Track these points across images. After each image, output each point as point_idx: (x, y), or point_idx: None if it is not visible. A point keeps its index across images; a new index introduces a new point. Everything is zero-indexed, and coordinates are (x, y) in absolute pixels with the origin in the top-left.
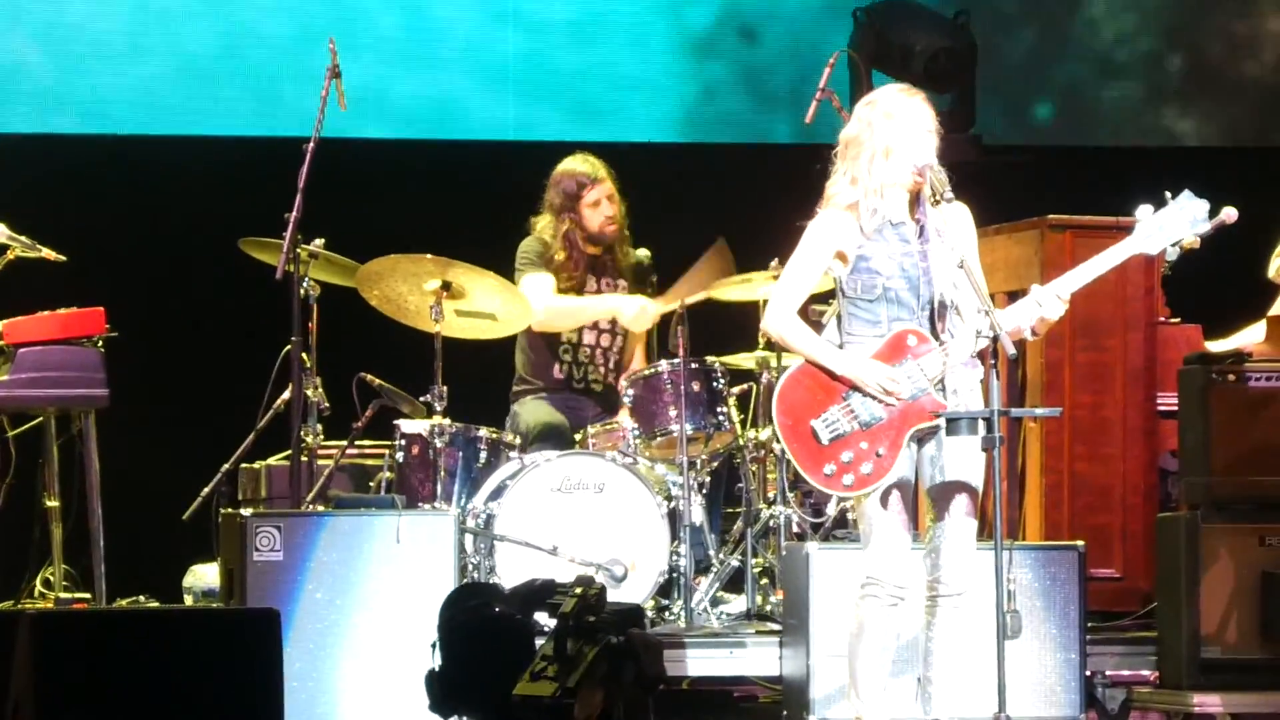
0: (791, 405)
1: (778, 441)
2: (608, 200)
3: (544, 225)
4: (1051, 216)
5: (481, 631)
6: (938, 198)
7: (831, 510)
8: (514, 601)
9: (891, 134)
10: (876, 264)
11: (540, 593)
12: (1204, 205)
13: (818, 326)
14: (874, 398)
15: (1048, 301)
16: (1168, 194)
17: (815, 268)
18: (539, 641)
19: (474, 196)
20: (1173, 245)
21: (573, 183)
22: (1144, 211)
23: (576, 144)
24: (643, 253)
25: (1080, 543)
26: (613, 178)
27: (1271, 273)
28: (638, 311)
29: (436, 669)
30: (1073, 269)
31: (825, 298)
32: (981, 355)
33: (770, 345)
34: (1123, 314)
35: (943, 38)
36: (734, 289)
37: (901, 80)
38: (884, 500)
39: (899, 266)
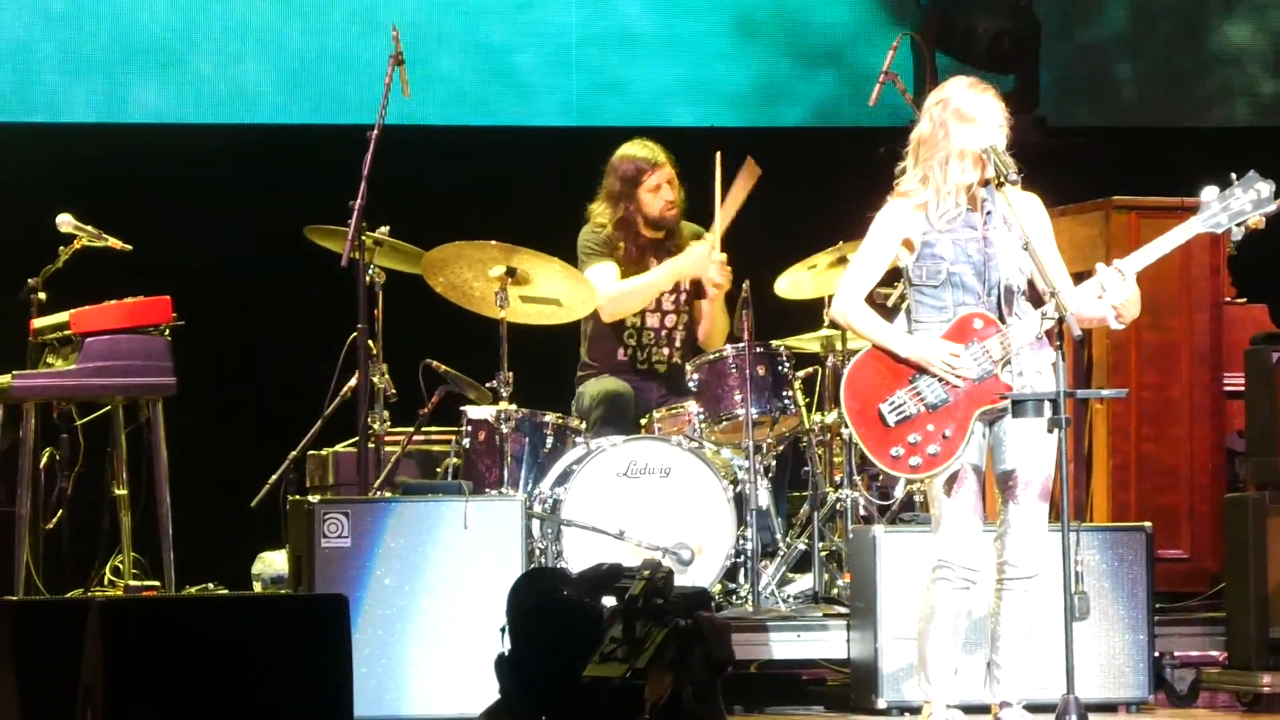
0: (859, 389)
1: (845, 426)
2: (668, 185)
3: (600, 211)
4: (1116, 198)
5: (550, 616)
6: (1001, 179)
7: (898, 493)
8: (582, 586)
9: (966, 137)
10: (941, 250)
11: (608, 577)
12: (1269, 185)
13: (883, 310)
14: (940, 378)
15: (1110, 281)
16: (1233, 175)
17: (883, 256)
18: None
19: (539, 182)
20: (1238, 225)
21: (632, 168)
22: (1209, 192)
23: (638, 129)
24: (697, 229)
25: (1148, 524)
26: (672, 162)
27: None
28: (697, 261)
29: (506, 653)
30: (1136, 250)
31: (890, 280)
32: (1048, 336)
33: (835, 327)
34: (1188, 294)
35: (1006, 19)
36: (801, 276)
37: (965, 62)
38: (953, 483)
39: (964, 252)
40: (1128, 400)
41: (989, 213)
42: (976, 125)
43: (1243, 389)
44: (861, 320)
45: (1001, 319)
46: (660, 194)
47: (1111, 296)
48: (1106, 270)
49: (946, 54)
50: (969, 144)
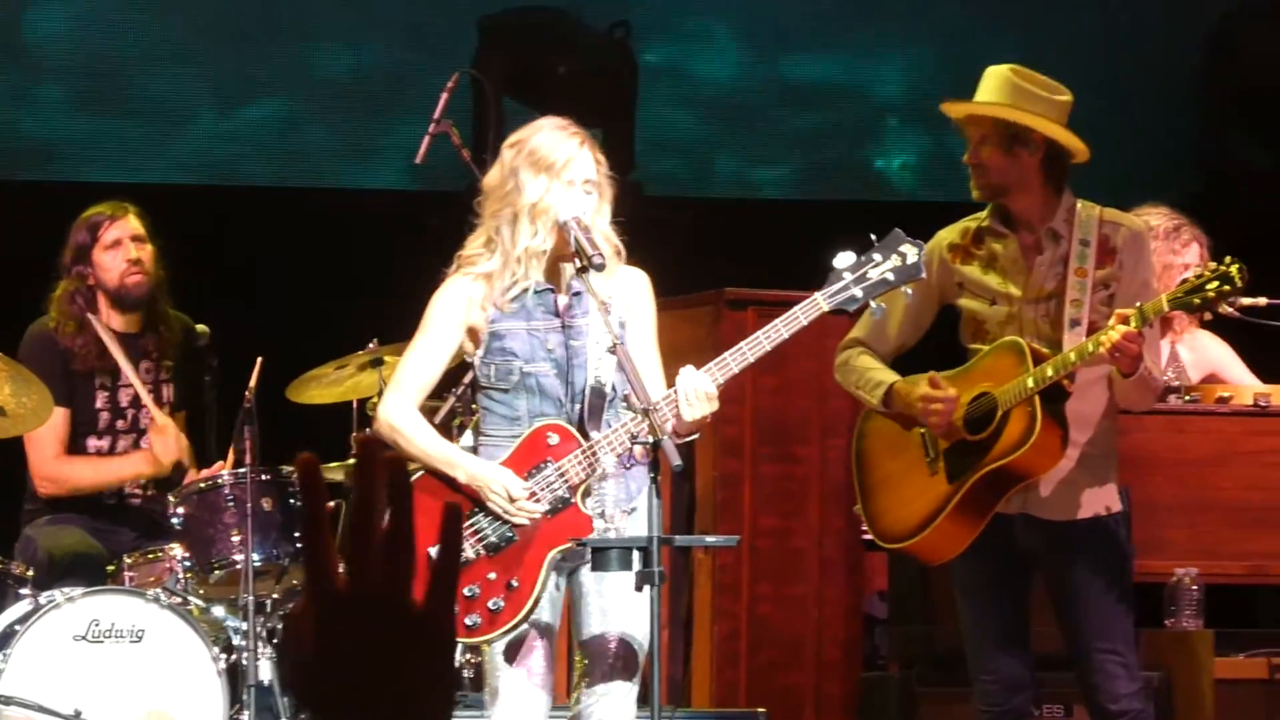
0: None
1: None
2: (132, 242)
3: (57, 298)
4: (730, 289)
5: None
6: (584, 262)
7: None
8: None
9: (540, 190)
10: (513, 344)
11: None
12: (917, 249)
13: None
14: (501, 513)
15: (701, 391)
16: (873, 235)
17: (443, 347)
18: None
19: None
20: (876, 301)
21: (84, 230)
22: (844, 259)
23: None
24: (198, 327)
25: (762, 710)
26: (145, 223)
27: None
28: (162, 452)
29: None
30: (736, 345)
31: (441, 390)
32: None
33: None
34: (820, 413)
35: (596, 55)
36: (325, 384)
37: (541, 111)
38: (515, 650)
39: (543, 347)
40: (739, 550)
41: (577, 294)
42: (554, 176)
43: None
44: (413, 431)
45: (584, 432)
46: (121, 251)
47: (692, 410)
48: (699, 376)
49: (518, 100)
50: (545, 199)
